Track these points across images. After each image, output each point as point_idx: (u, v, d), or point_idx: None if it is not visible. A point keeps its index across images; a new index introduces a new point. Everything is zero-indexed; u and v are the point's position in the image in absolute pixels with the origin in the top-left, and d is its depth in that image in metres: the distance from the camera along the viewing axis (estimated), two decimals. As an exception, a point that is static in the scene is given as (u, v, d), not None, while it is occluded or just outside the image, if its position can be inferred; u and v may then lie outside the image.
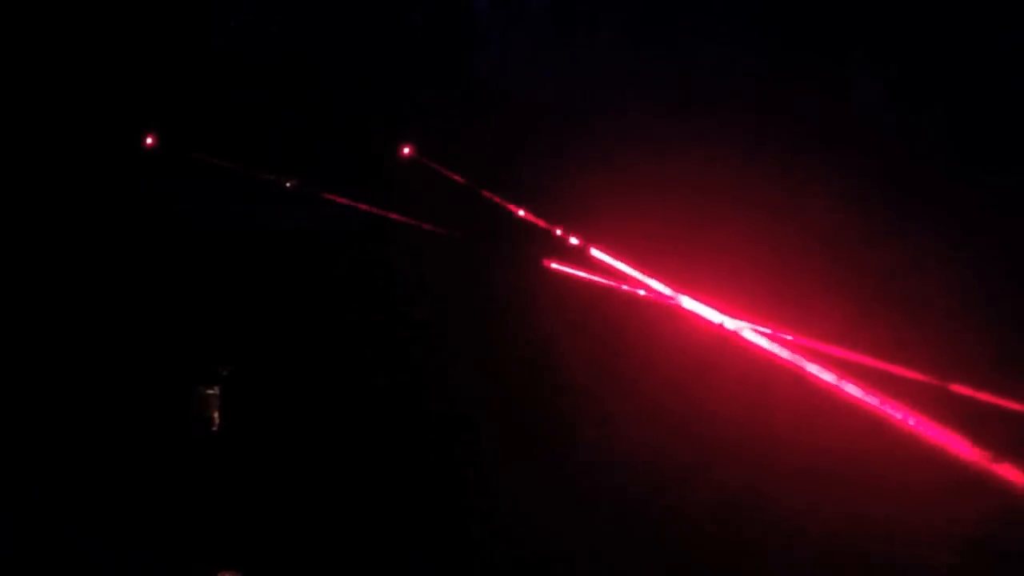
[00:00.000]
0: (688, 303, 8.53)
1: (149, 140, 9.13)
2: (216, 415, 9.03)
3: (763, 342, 8.10)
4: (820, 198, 8.21)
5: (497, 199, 9.15)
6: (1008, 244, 7.75)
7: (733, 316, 8.23)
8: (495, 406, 8.73)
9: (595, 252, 9.00)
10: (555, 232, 9.06)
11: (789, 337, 7.98)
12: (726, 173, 8.68)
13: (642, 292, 8.71)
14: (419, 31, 11.12)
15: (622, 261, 8.85)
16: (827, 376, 7.72)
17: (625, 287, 8.82)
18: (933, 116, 8.50)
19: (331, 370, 9.08)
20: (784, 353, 7.93)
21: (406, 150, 9.13)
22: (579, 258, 8.99)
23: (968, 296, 7.60)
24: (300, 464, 8.83)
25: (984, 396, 7.25)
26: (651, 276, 8.70)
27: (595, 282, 8.88)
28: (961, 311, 7.58)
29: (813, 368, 7.79)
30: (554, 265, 9.07)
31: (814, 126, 8.62)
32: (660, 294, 8.64)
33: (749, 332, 8.15)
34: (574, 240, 9.06)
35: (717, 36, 10.56)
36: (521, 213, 9.15)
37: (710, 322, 8.34)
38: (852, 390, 7.58)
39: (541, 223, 9.15)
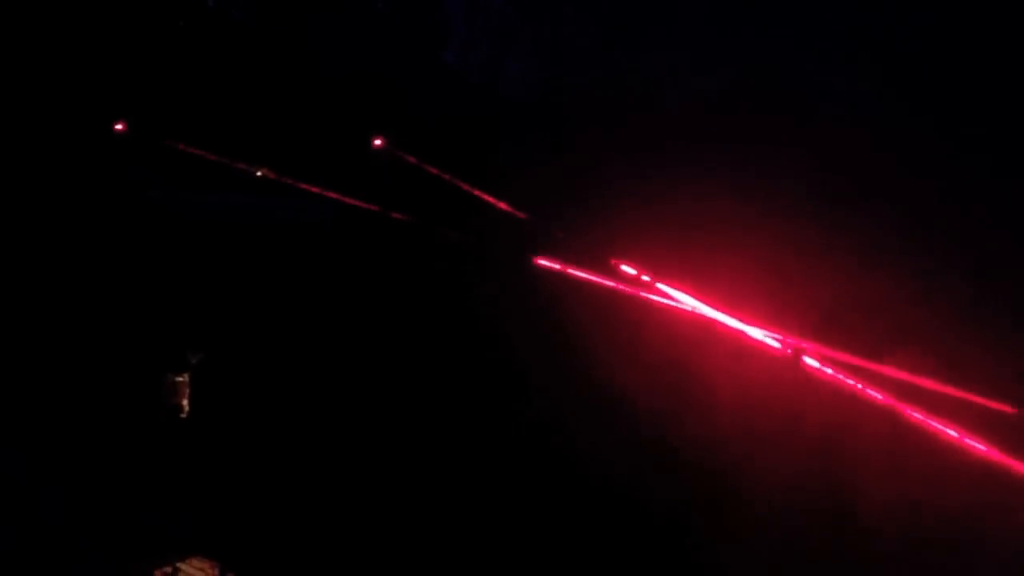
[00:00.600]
0: (664, 290, 8.56)
1: (119, 127, 9.11)
2: (185, 402, 9.05)
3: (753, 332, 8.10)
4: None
5: (472, 190, 9.19)
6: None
7: (721, 308, 8.26)
8: (462, 395, 8.80)
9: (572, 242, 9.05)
10: (534, 224, 9.10)
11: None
12: (701, 161, 8.78)
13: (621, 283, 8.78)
14: (384, 19, 11.16)
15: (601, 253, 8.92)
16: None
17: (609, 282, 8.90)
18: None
19: (301, 359, 9.11)
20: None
21: (377, 141, 9.17)
22: (558, 249, 9.03)
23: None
24: (269, 451, 8.88)
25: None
26: (630, 266, 8.74)
27: (573, 274, 8.95)
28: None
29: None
30: (540, 261, 9.11)
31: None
32: (636, 283, 8.69)
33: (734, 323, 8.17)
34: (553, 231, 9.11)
35: (682, 31, 10.66)
36: (493, 202, 9.20)
37: (687, 311, 8.38)
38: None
39: (517, 214, 9.20)
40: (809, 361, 7.72)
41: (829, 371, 7.67)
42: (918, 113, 8.59)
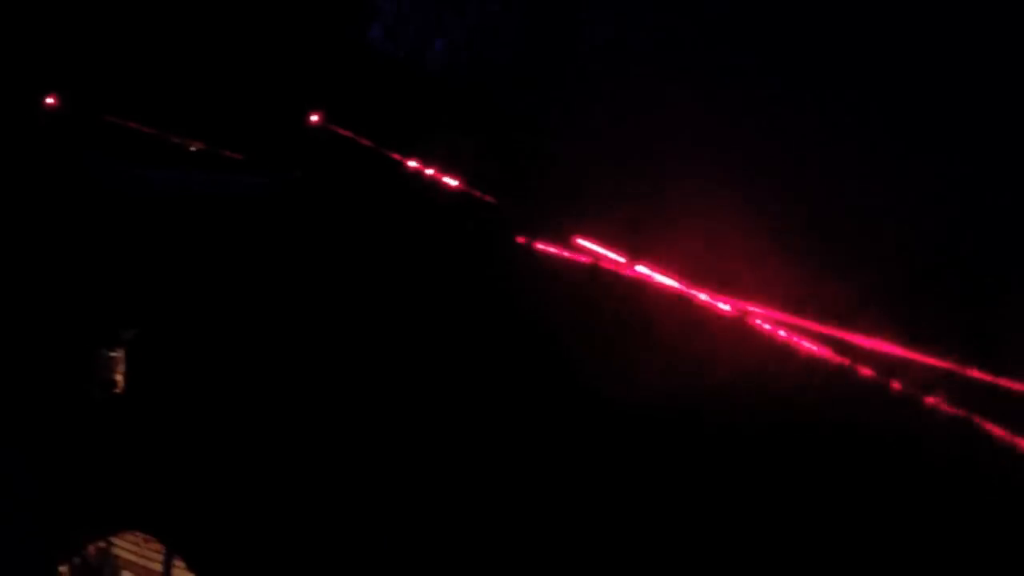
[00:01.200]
0: (619, 262, 8.76)
1: (51, 100, 8.99)
2: (119, 378, 9.03)
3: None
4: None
5: (407, 162, 9.32)
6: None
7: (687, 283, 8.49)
8: (408, 369, 8.93)
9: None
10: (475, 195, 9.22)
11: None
12: (634, 137, 9.05)
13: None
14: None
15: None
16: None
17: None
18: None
19: (238, 334, 9.14)
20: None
21: (314, 117, 9.25)
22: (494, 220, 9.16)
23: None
24: (207, 427, 8.91)
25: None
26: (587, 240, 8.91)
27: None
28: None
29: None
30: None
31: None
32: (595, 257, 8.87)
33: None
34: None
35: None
36: (432, 173, 9.31)
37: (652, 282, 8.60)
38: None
39: (455, 185, 9.34)
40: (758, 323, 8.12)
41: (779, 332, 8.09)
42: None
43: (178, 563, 8.54)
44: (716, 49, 9.87)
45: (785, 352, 7.97)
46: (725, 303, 8.17)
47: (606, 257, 8.61)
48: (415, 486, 8.53)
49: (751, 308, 8.05)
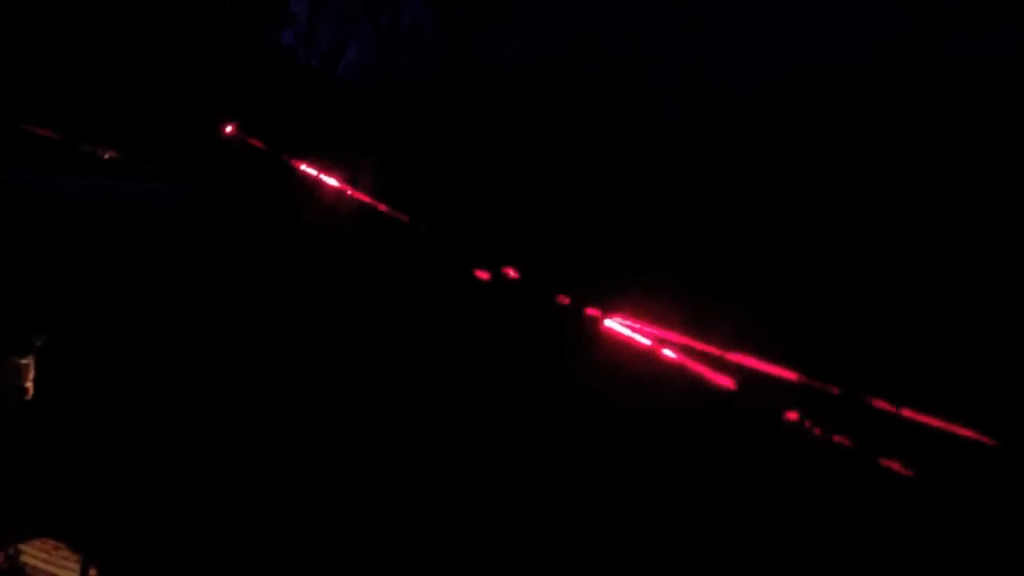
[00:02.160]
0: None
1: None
2: (30, 385, 8.97)
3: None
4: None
5: (321, 176, 9.42)
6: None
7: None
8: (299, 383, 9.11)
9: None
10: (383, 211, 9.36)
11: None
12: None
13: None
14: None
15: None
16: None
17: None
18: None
19: (149, 342, 9.17)
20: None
21: (227, 126, 9.30)
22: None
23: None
24: (116, 434, 8.93)
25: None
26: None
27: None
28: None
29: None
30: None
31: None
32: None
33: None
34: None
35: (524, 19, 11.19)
36: (339, 184, 9.41)
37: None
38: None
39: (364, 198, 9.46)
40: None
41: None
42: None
43: (93, 572, 8.56)
44: (630, 57, 10.20)
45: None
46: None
47: (505, 273, 8.85)
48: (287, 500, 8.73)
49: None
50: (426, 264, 8.93)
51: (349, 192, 9.33)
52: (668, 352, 8.07)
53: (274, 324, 9.04)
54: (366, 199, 9.38)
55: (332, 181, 9.41)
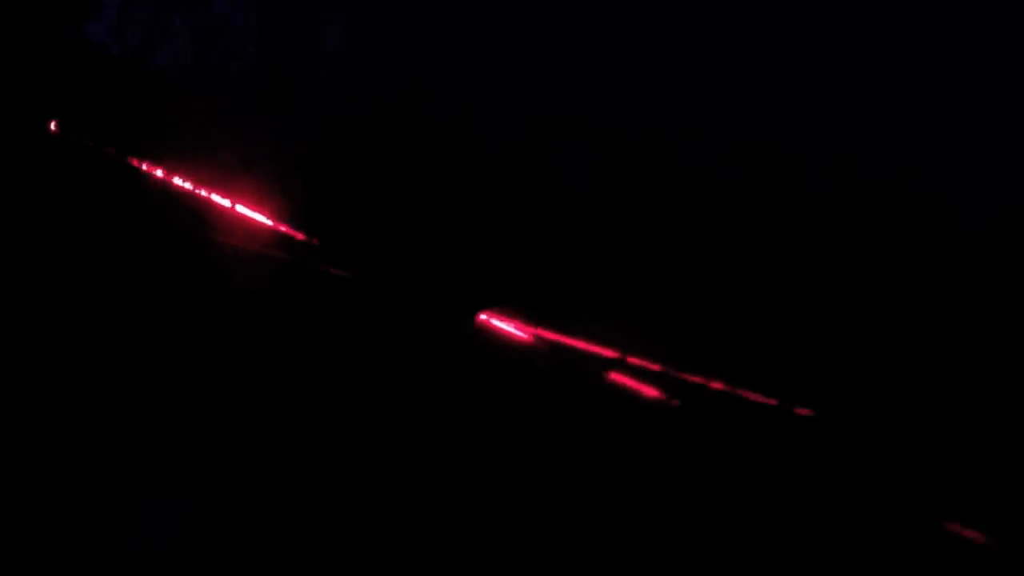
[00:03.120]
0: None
1: None
2: None
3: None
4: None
5: (140, 166, 9.14)
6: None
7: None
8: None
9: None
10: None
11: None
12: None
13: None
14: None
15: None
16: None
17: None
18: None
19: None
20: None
21: (53, 125, 8.91)
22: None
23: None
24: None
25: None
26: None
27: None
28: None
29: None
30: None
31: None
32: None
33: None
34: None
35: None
36: (181, 183, 9.17)
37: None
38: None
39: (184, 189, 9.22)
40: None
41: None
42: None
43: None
44: (444, 53, 10.35)
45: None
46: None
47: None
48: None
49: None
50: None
51: (170, 184, 9.09)
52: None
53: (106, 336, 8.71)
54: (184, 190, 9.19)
55: (152, 173, 9.15)
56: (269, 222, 8.79)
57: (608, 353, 8.14)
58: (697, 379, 8.08)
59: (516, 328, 8.26)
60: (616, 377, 8.04)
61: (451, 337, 8.42)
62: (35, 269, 8.61)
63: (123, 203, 8.93)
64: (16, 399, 8.56)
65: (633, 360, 8.10)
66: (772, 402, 7.85)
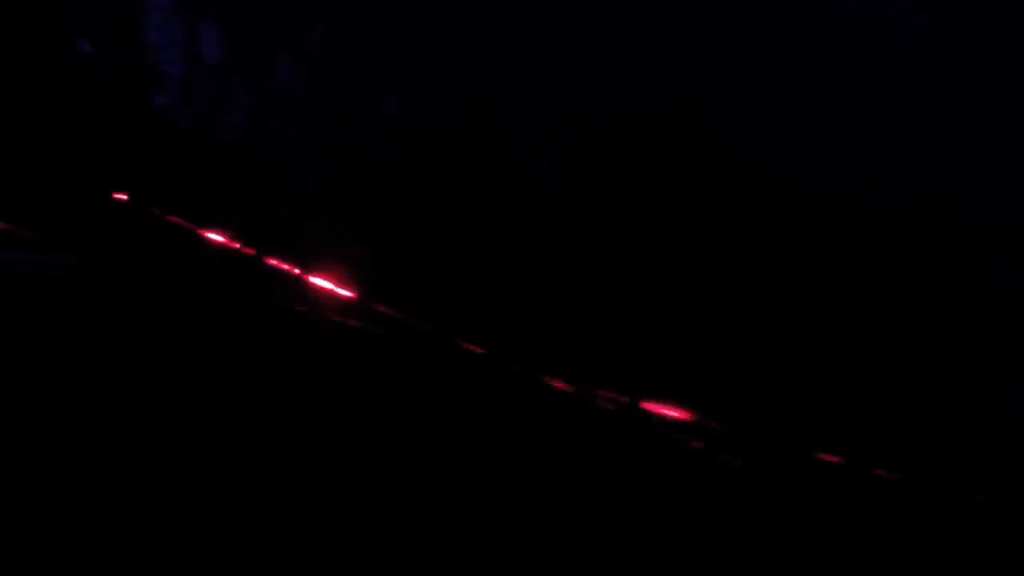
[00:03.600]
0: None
1: None
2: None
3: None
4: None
5: (205, 234, 9.32)
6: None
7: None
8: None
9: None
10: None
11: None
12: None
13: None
14: (92, 61, 11.07)
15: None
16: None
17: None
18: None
19: (31, 422, 8.83)
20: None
21: (117, 196, 9.12)
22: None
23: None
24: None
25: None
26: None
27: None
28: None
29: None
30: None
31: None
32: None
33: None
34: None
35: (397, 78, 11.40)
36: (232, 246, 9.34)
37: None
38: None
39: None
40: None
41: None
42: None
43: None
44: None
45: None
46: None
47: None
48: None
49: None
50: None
51: (238, 251, 9.25)
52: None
53: (178, 401, 8.84)
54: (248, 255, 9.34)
55: (221, 242, 9.33)
56: (339, 290, 8.92)
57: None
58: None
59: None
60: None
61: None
62: (106, 334, 8.83)
63: (184, 268, 9.12)
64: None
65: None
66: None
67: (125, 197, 9.17)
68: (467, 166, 10.41)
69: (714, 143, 9.40)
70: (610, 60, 10.37)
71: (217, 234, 9.14)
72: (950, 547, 7.45)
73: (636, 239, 9.75)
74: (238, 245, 9.04)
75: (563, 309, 9.02)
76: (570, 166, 10.38)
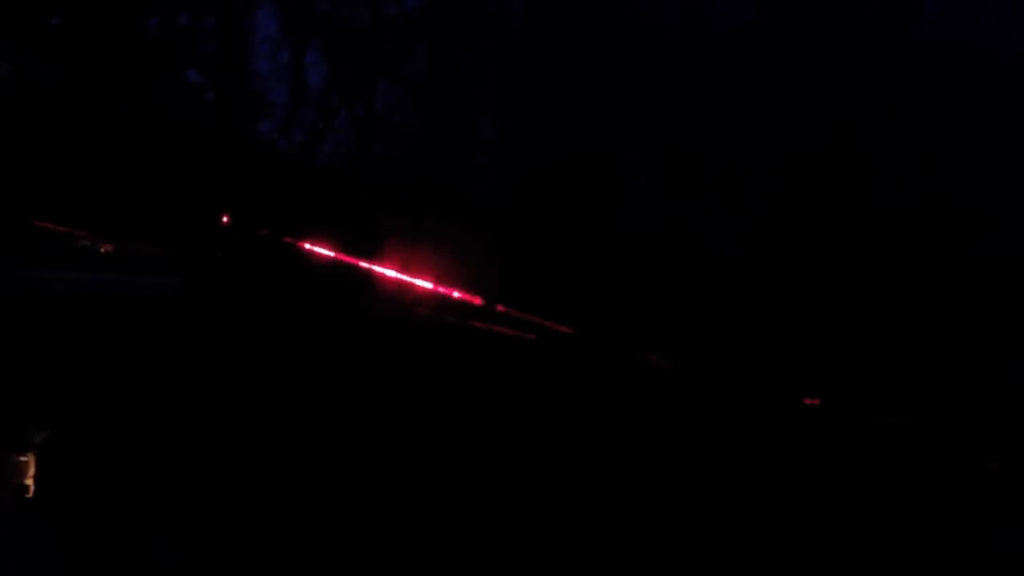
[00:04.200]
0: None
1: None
2: (30, 483, 8.81)
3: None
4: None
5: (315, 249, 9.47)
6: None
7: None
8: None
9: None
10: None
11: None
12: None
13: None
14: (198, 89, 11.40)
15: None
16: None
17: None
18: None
19: (148, 438, 9.02)
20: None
21: (224, 218, 9.36)
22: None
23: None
24: (118, 533, 8.73)
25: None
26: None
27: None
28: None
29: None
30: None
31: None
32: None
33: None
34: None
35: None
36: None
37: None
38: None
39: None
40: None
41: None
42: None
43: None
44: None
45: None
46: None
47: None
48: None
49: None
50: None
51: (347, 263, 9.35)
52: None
53: (286, 416, 8.98)
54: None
55: (333, 257, 9.46)
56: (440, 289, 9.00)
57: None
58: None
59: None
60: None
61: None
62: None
63: (292, 280, 9.29)
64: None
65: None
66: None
67: (229, 219, 9.40)
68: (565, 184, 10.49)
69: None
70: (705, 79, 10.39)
71: (322, 247, 9.31)
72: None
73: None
74: (342, 255, 9.19)
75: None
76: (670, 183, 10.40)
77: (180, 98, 11.05)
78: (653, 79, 10.64)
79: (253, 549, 8.34)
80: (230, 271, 9.44)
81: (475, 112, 11.51)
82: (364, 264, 8.77)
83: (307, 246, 9.13)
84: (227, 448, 8.81)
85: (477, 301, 8.52)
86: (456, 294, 8.55)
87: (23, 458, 8.98)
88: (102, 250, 9.21)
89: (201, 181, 9.96)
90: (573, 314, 8.62)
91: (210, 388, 9.06)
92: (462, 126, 11.48)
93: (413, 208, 9.72)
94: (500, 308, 8.50)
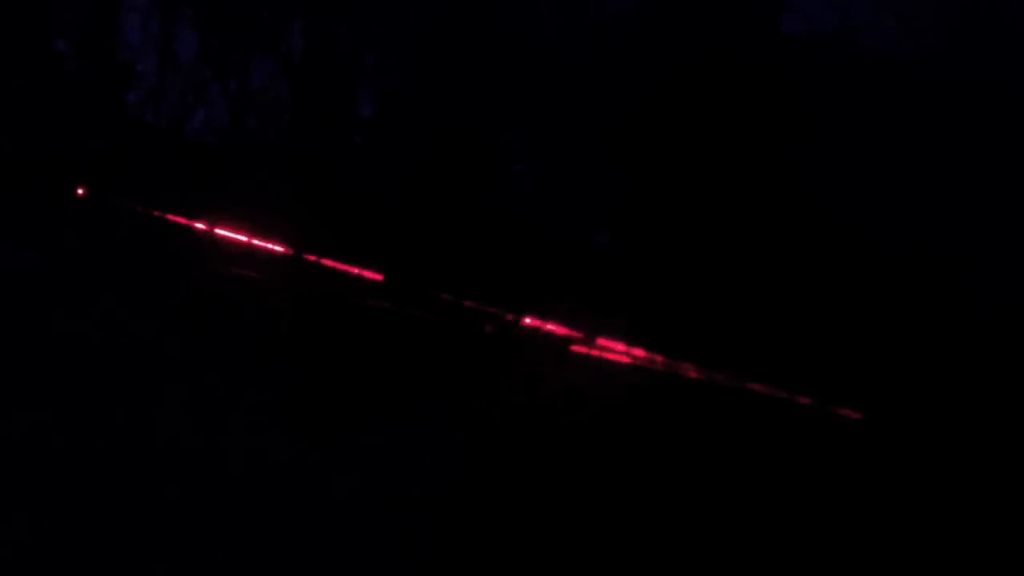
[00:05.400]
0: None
1: None
2: None
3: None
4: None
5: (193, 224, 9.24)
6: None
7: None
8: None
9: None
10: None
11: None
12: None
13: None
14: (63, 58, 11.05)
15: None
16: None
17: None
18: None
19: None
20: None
21: (80, 190, 9.05)
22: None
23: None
24: None
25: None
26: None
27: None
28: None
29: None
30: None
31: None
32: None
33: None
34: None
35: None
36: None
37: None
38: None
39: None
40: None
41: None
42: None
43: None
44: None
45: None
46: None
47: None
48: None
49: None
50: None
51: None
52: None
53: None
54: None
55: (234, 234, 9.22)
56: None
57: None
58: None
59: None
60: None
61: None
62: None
63: (151, 248, 8.96)
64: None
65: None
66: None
67: (85, 190, 9.07)
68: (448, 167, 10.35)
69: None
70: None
71: (182, 221, 9.06)
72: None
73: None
74: (213, 229, 8.94)
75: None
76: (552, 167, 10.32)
77: (45, 66, 10.67)
78: (532, 63, 10.54)
79: None
80: (83, 242, 9.12)
81: (353, 90, 11.30)
82: (209, 228, 8.56)
83: (163, 215, 8.88)
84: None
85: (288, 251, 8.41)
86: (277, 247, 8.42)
87: None
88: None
89: (64, 152, 9.65)
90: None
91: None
92: (340, 104, 11.27)
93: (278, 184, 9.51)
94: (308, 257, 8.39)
